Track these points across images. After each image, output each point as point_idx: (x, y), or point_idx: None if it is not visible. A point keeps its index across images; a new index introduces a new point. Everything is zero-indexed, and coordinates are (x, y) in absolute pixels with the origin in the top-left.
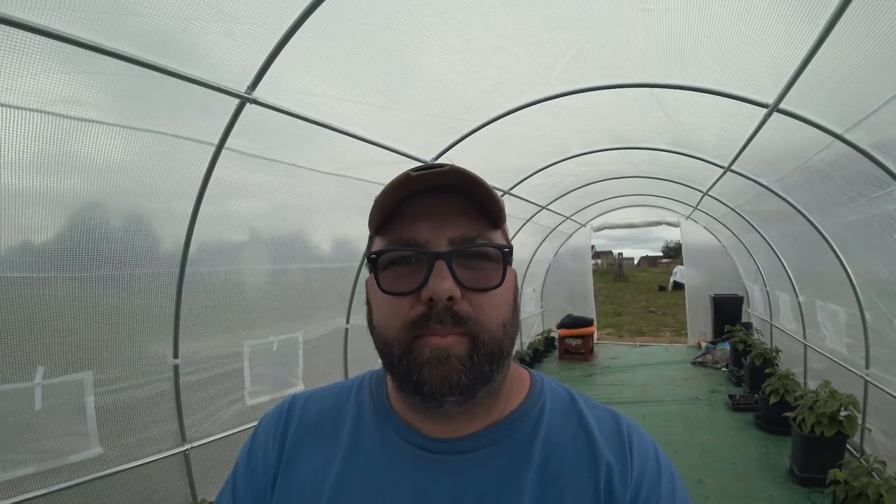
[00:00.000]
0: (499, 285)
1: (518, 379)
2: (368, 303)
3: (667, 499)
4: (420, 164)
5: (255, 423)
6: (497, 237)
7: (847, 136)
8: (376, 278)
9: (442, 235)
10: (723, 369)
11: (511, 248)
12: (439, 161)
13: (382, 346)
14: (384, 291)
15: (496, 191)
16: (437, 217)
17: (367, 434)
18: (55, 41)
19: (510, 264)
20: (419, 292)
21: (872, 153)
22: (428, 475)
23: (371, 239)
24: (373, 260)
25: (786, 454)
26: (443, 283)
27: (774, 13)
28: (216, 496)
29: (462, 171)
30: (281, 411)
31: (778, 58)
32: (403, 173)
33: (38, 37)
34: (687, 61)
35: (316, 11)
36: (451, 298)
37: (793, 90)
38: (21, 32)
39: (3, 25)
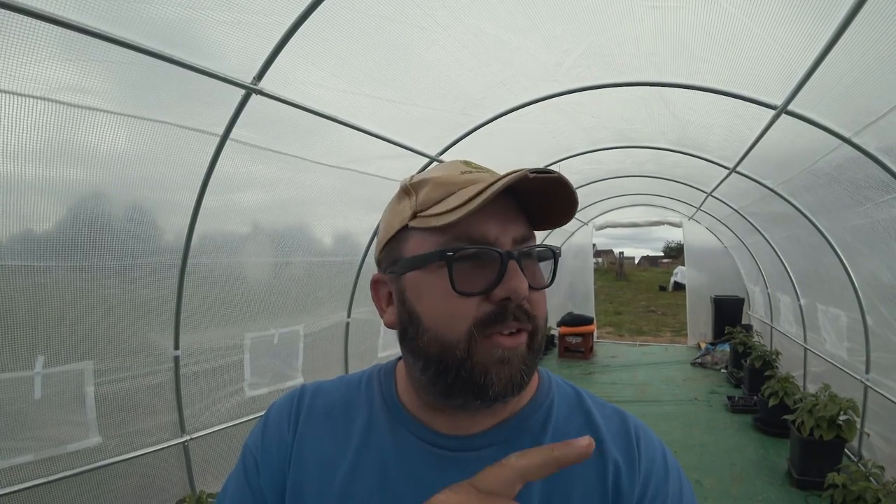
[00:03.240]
0: (550, 284)
1: None
2: (406, 303)
3: (674, 497)
4: (425, 159)
5: (256, 416)
6: (538, 237)
7: (855, 140)
8: (451, 277)
9: (507, 235)
10: (722, 371)
11: (560, 249)
12: (441, 158)
13: (438, 349)
14: (459, 292)
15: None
16: (502, 216)
17: (377, 429)
18: (60, 28)
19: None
20: (492, 292)
21: (880, 157)
22: (438, 472)
23: (403, 231)
24: (449, 257)
25: (784, 457)
26: (523, 283)
27: (786, 13)
28: (223, 482)
29: (567, 182)
30: (292, 399)
31: (788, 59)
32: (522, 172)
33: (43, 23)
34: (695, 60)
35: (324, 2)
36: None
37: (802, 92)
38: (26, 18)
39: (8, 11)
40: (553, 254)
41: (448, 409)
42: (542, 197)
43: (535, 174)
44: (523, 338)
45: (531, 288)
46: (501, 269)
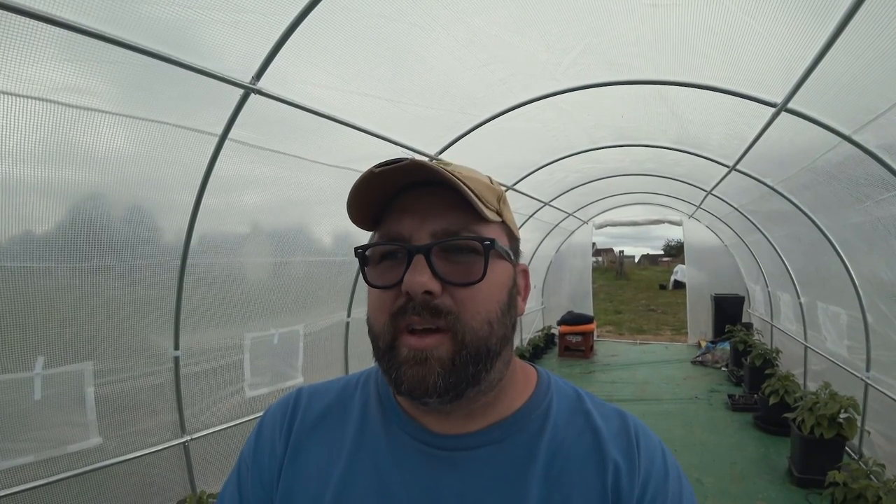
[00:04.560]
0: (479, 280)
1: (524, 376)
2: (368, 297)
3: (674, 498)
4: (425, 158)
5: (256, 416)
6: (490, 230)
7: (855, 138)
8: (363, 272)
9: (424, 229)
10: (722, 369)
11: (493, 241)
12: (440, 157)
13: (372, 339)
14: (371, 285)
15: (501, 186)
16: (421, 211)
17: (372, 429)
18: (59, 28)
19: (505, 258)
20: (400, 286)
21: (880, 155)
22: (432, 472)
23: (372, 235)
24: (360, 254)
25: (785, 455)
26: (417, 277)
27: (786, 11)
28: (220, 488)
29: (423, 164)
30: (287, 404)
31: (788, 56)
32: (368, 170)
33: (41, 24)
34: (695, 58)
35: (322, 2)
36: (429, 293)
37: (802, 89)
38: (24, 19)
39: (6, 12)
40: (483, 246)
41: (430, 409)
42: (449, 186)
43: (381, 168)
44: (435, 339)
45: (448, 283)
46: (407, 263)
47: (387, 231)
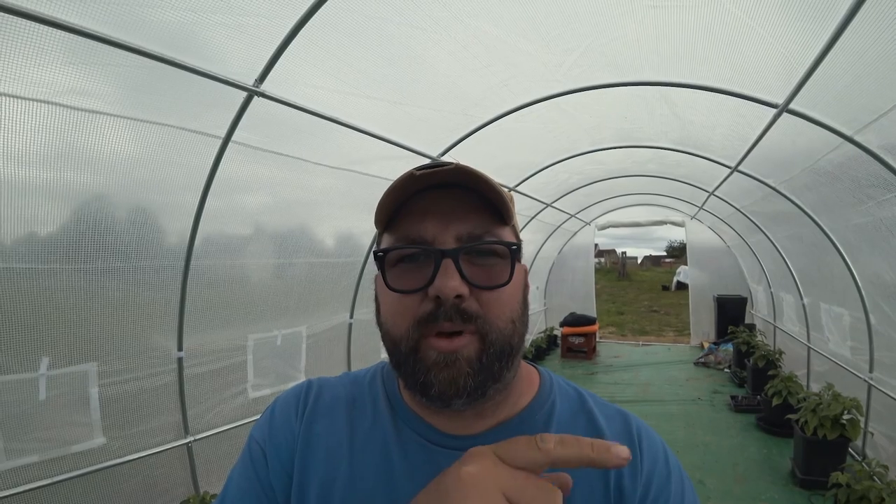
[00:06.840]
0: (507, 283)
1: (527, 376)
2: (377, 300)
3: (676, 497)
4: (426, 160)
5: (259, 416)
6: (506, 233)
7: (857, 138)
8: (384, 275)
9: (449, 232)
10: (725, 370)
11: (519, 244)
12: (444, 159)
13: (390, 344)
14: (392, 289)
15: (503, 187)
16: (444, 214)
17: (381, 425)
18: (64, 32)
19: (519, 260)
20: (426, 290)
21: (882, 155)
22: (439, 470)
23: (380, 236)
24: (379, 258)
25: (787, 456)
26: (449, 282)
27: (788, 11)
28: (227, 474)
29: (467, 168)
30: (300, 391)
31: (789, 57)
32: (408, 172)
33: (47, 27)
34: (696, 59)
35: (325, 5)
36: (459, 296)
37: (803, 90)
38: (30, 23)
39: (13, 16)
40: (509, 249)
41: (441, 410)
42: (483, 190)
43: (421, 171)
44: (464, 341)
45: (478, 287)
46: (435, 267)
47: (405, 233)
